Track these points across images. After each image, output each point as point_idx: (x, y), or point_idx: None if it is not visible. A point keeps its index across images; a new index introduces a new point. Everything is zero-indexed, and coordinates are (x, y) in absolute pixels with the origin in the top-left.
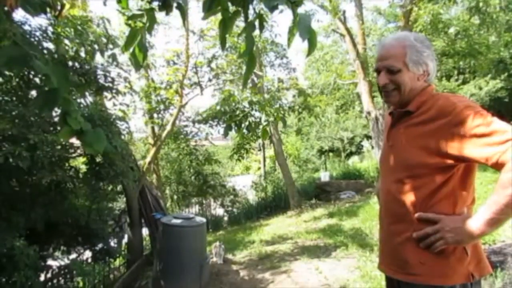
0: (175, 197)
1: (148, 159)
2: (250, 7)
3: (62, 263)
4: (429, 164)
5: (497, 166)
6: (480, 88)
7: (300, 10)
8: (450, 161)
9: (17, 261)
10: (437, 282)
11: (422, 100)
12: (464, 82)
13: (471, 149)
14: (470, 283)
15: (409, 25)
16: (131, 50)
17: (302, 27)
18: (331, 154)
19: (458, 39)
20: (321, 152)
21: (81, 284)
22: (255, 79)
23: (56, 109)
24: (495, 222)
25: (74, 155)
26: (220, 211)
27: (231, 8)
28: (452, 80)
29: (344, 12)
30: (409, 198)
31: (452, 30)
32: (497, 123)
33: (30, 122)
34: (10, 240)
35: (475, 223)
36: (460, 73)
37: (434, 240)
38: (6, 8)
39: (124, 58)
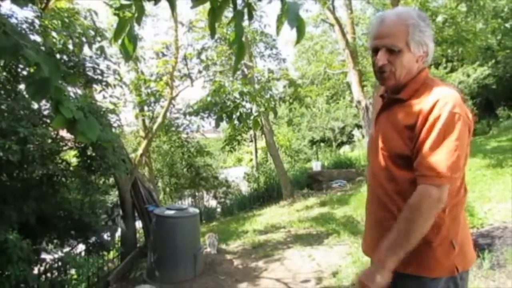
0: (167, 189)
1: (139, 152)
2: None
3: (56, 256)
4: (409, 156)
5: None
6: (468, 76)
7: None
8: None
9: (11, 254)
10: (422, 273)
11: (415, 87)
12: (453, 70)
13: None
14: (458, 275)
15: None
16: (120, 41)
17: (291, 15)
18: (322, 144)
19: (446, 26)
20: (313, 142)
21: (75, 276)
22: (245, 70)
23: (45, 102)
24: (392, 253)
25: (65, 148)
26: (213, 203)
27: None
28: (441, 67)
29: (333, 1)
30: (393, 186)
31: (440, 19)
32: (453, 152)
33: (19, 116)
34: (3, 234)
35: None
36: (449, 61)
37: None
38: None
39: (112, 50)
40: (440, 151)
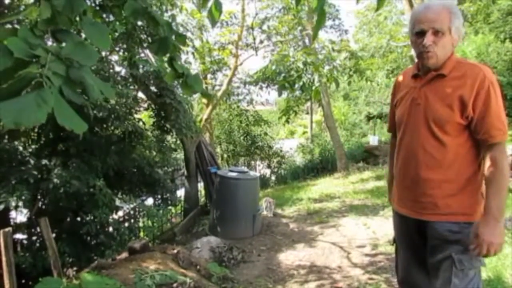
0: (225, 156)
1: (204, 116)
2: None
3: (131, 206)
4: (457, 122)
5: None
6: None
7: None
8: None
9: (97, 199)
10: (461, 219)
11: (452, 65)
12: None
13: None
14: None
15: None
16: (206, 10)
17: None
18: (379, 120)
19: None
20: (369, 117)
21: (148, 223)
22: (306, 41)
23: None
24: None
25: (141, 109)
26: (266, 172)
27: None
28: None
29: None
30: (440, 150)
31: None
32: (503, 111)
33: (106, 75)
34: (92, 180)
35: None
36: None
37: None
38: None
39: (181, 18)
40: (499, 114)
